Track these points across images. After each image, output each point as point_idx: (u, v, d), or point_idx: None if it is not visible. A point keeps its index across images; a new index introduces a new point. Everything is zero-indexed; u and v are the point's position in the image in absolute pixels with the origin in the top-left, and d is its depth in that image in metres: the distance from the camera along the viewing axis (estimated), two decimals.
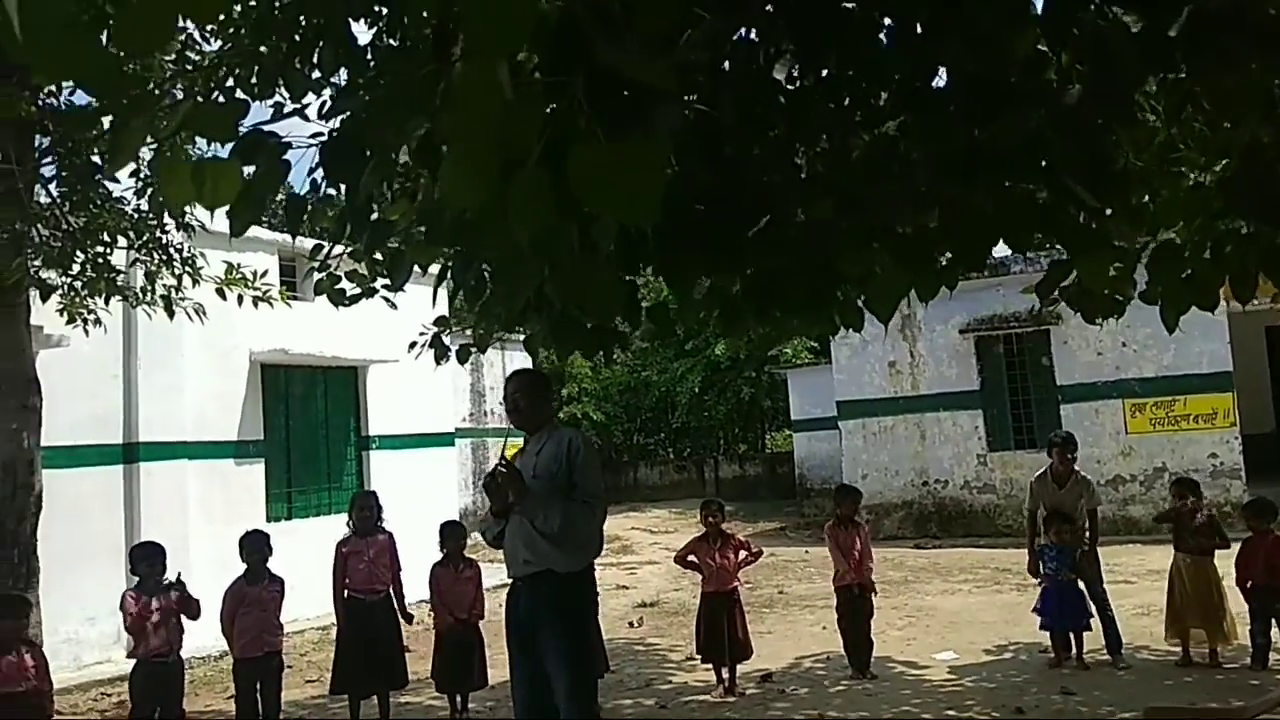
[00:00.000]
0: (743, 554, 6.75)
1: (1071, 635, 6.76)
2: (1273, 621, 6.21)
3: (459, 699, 6.32)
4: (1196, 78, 2.99)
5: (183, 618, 5.44)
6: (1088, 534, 6.89)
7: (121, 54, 1.32)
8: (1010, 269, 13.80)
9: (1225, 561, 6.51)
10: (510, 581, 4.23)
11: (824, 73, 2.93)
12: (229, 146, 2.52)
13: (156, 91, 6.17)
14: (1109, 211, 3.67)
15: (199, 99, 3.80)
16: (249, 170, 2.47)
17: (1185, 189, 3.72)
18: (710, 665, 6.69)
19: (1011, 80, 2.59)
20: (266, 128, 2.78)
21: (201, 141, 5.81)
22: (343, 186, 2.68)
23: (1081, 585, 6.77)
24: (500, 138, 1.25)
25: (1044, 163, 2.51)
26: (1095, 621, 6.73)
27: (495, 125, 1.23)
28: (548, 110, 1.40)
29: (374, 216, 3.16)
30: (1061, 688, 6.12)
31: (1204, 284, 2.85)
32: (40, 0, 0.89)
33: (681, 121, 2.04)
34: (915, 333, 15.24)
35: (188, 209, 6.76)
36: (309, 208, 3.24)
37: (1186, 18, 2.65)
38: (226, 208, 2.27)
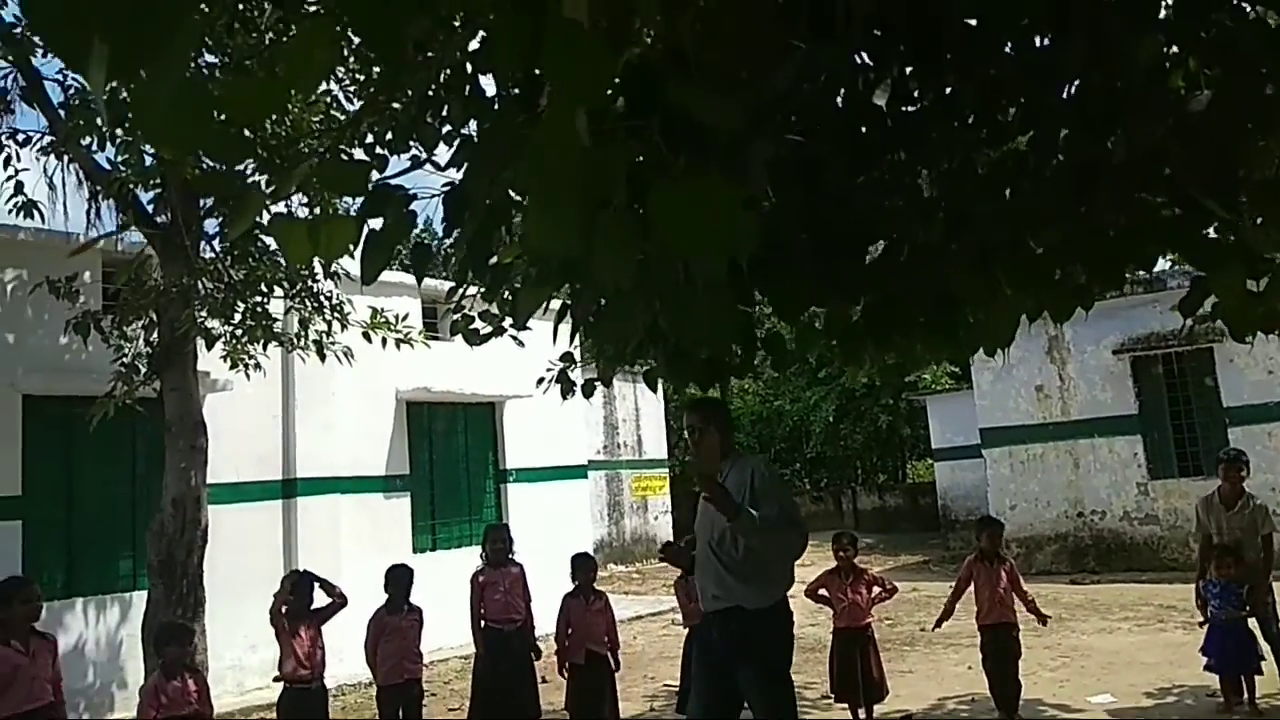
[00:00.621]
0: (876, 589, 6.56)
1: (1243, 678, 6.22)
2: None
3: None
4: None
5: (326, 651, 5.73)
6: (1262, 562, 6.35)
7: (234, 126, 1.45)
8: (1167, 284, 12.98)
9: None
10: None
11: (947, 90, 2.88)
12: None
13: (304, 149, 6.65)
14: (1259, 221, 3.44)
15: (326, 157, 4.06)
16: (378, 223, 2.64)
17: None
18: (845, 704, 6.50)
19: (1133, 89, 2.48)
20: (393, 181, 2.96)
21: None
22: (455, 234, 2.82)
23: (1253, 623, 6.24)
24: (579, 184, 1.30)
25: (1168, 174, 2.38)
26: (1270, 664, 6.17)
27: (573, 172, 1.28)
28: (630, 153, 1.44)
29: (493, 260, 3.29)
30: None
31: None
32: (152, 82, 1.00)
33: (773, 154, 2.05)
34: (1064, 354, 14.51)
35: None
36: (437, 254, 3.40)
37: None
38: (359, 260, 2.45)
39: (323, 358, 7.75)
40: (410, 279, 11.10)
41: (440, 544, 11.40)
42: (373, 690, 8.53)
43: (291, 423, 9.95)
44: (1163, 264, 12.30)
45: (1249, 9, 2.69)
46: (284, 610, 5.65)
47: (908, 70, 2.83)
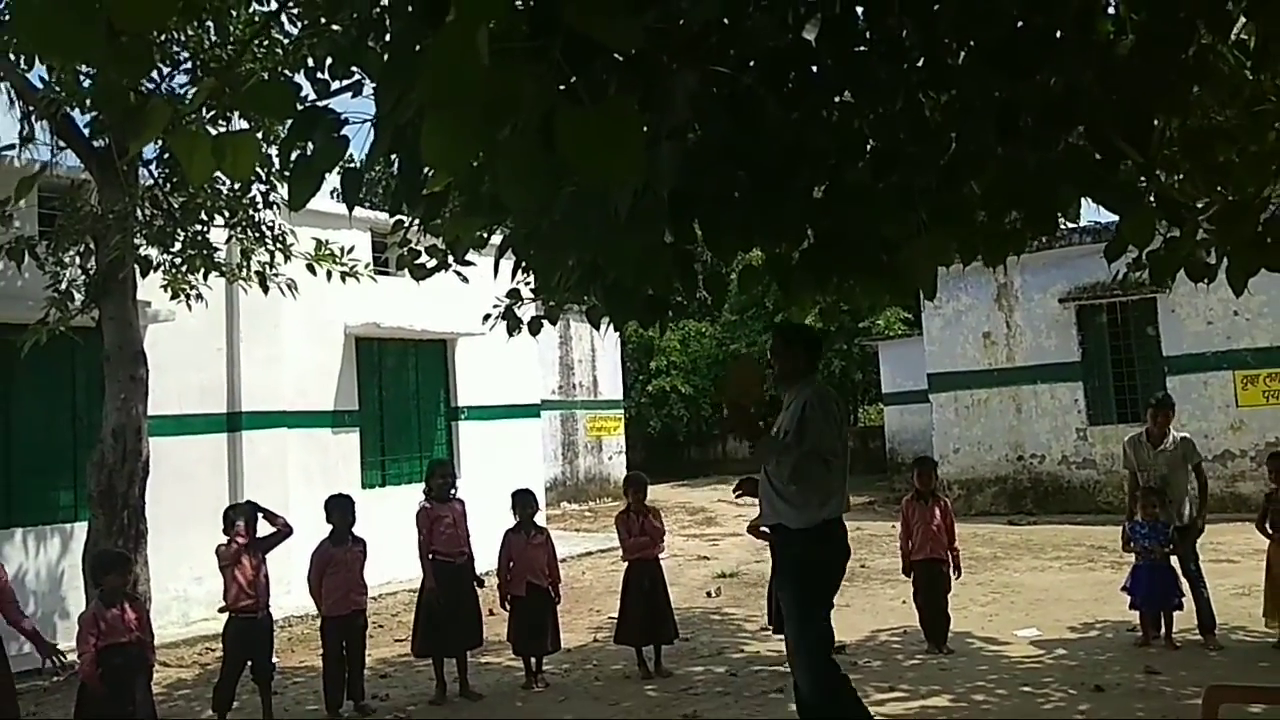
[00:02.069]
0: None
1: (1162, 615, 6.50)
2: None
3: (534, 661, 6.49)
4: (1275, 23, 2.82)
5: (271, 581, 5.76)
6: (1197, 492, 6.59)
7: (126, 33, 1.40)
8: (1114, 233, 13.18)
9: None
10: None
11: (896, 31, 2.86)
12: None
13: (244, 71, 6.44)
14: (1187, 169, 3.49)
15: (261, 77, 3.95)
16: (310, 147, 2.58)
17: (1271, 143, 3.51)
18: (783, 635, 6.68)
19: (1063, 31, 2.49)
20: (323, 103, 2.89)
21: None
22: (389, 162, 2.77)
23: (1175, 563, 6.50)
24: (478, 101, 1.29)
25: (1086, 118, 2.41)
26: (1189, 601, 6.46)
27: (471, 88, 1.27)
28: (535, 74, 1.43)
29: (425, 190, 3.25)
30: (1146, 667, 5.91)
31: (1274, 244, 2.68)
32: None
33: (698, 85, 2.04)
34: (1012, 302, 14.75)
35: (276, 188, 7.08)
36: (368, 182, 3.34)
37: None
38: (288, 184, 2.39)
39: (265, 289, 7.62)
40: (360, 212, 10.92)
41: (390, 480, 11.40)
42: (319, 622, 8.63)
43: (236, 355, 9.82)
44: (1111, 215, 12.46)
45: None
46: (232, 547, 5.65)
47: (858, 10, 2.82)
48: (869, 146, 2.69)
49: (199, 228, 7.02)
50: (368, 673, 6.34)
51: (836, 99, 2.98)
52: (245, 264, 7.53)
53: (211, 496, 9.01)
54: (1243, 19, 3.03)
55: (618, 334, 20.79)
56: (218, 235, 7.49)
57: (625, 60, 1.59)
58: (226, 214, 7.01)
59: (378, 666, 7.12)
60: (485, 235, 4.20)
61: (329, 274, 7.74)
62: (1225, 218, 2.85)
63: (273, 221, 7.33)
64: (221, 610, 5.80)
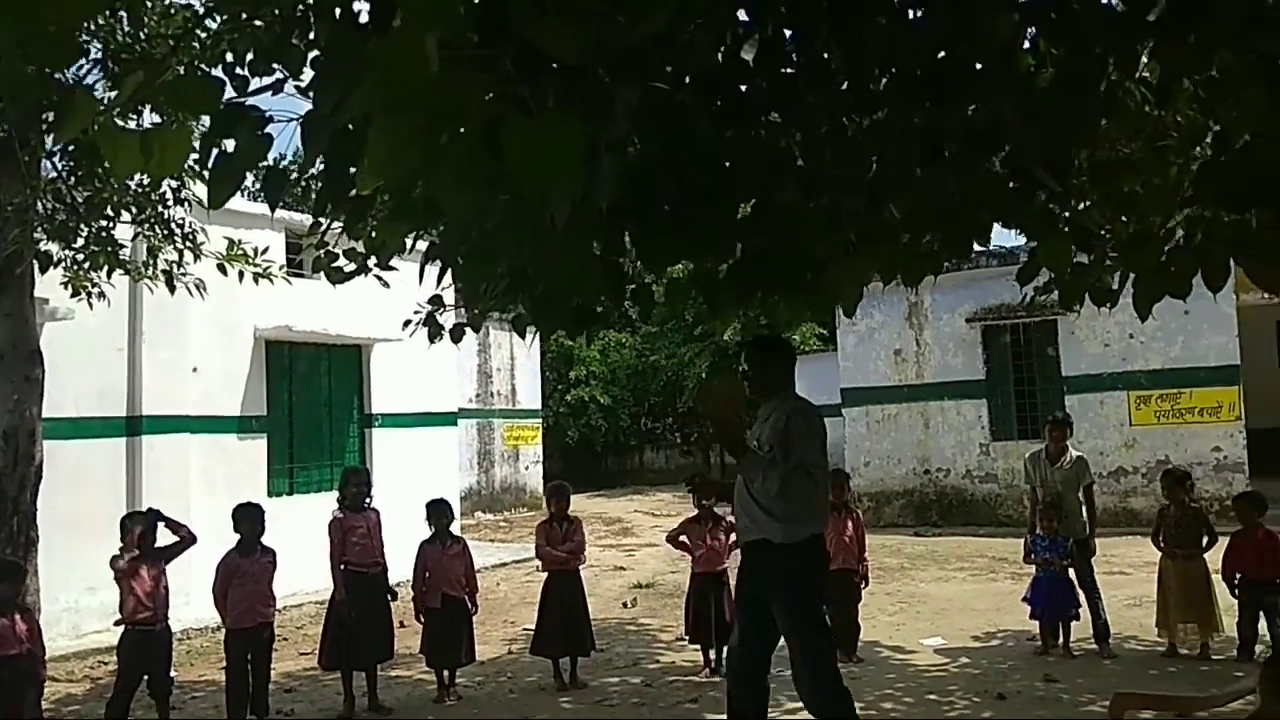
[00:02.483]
0: (733, 537, 6.77)
1: (1060, 624, 6.77)
2: (1260, 614, 6.20)
3: (447, 674, 6.39)
4: (1178, 63, 2.98)
5: (169, 591, 5.55)
6: (1085, 512, 6.89)
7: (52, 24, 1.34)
8: (1020, 258, 13.70)
9: (1217, 553, 6.51)
10: None
11: (822, 55, 2.93)
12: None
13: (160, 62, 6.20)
14: (1095, 199, 3.66)
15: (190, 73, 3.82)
16: (230, 144, 2.50)
17: (1173, 177, 3.70)
18: (698, 645, 6.74)
19: (981, 65, 2.59)
20: (253, 101, 2.80)
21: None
22: (315, 162, 2.71)
23: (1072, 575, 6.78)
24: (424, 108, 1.27)
25: (1007, 148, 2.51)
26: (1085, 611, 6.74)
27: (418, 95, 1.25)
28: (481, 83, 1.42)
29: (352, 192, 3.18)
30: (1045, 675, 6.14)
31: (1177, 272, 2.84)
32: None
33: (639, 100, 2.05)
34: (922, 321, 15.20)
35: (187, 184, 6.83)
36: (291, 182, 3.26)
37: (1166, 1, 2.63)
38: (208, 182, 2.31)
39: (172, 289, 7.32)
40: (275, 211, 10.61)
41: (298, 488, 11.09)
42: (220, 634, 8.30)
43: (138, 357, 9.42)
44: (1018, 239, 13.01)
45: None
46: (125, 557, 5.41)
47: (786, 32, 2.87)
48: (800, 167, 2.74)
49: (104, 223, 6.71)
50: (272, 687, 6.13)
51: (764, 119, 3.05)
52: (152, 262, 7.22)
53: (108, 503, 8.61)
54: (1146, 58, 3.21)
55: (537, 343, 20.69)
56: (123, 232, 7.18)
57: (566, 73, 1.59)
58: (134, 210, 6.72)
59: (282, 680, 6.90)
60: (411, 241, 4.14)
61: (241, 275, 7.49)
62: (1132, 246, 3.00)
63: (183, 219, 7.06)
64: (118, 623, 5.54)
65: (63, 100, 3.31)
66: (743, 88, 2.62)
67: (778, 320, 5.60)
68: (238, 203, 10.15)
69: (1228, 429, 13.16)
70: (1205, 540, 6.51)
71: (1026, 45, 2.75)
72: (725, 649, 4.51)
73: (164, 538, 5.65)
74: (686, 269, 4.11)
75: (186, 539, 5.63)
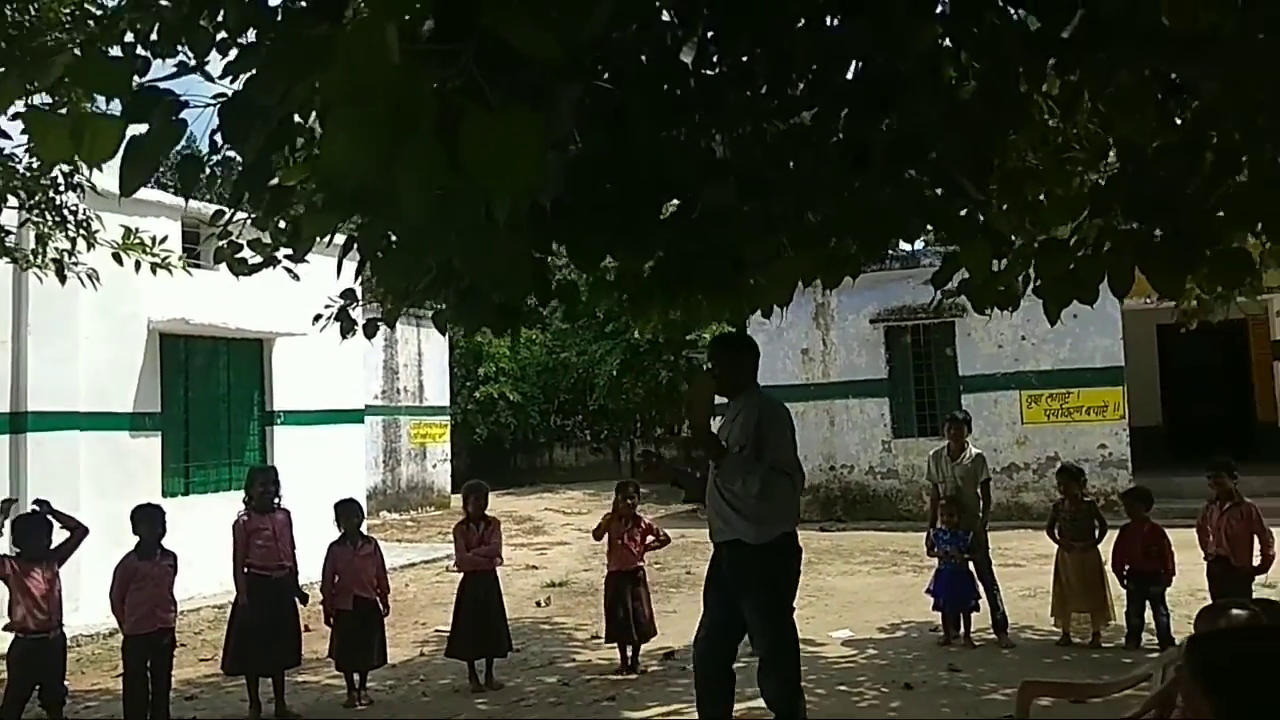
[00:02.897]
0: (650, 538, 6.83)
1: (961, 615, 7.03)
2: (1147, 604, 6.57)
3: (358, 678, 6.24)
4: (1087, 79, 3.13)
5: (63, 595, 5.27)
6: (982, 508, 7.17)
7: None
8: (920, 262, 14.18)
9: (1108, 546, 6.86)
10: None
11: (742, 58, 2.97)
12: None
13: (51, 42, 5.88)
14: (1004, 206, 3.81)
15: (92, 52, 3.64)
16: (142, 129, 2.39)
17: (1076, 187, 3.89)
18: (615, 644, 6.75)
19: (909, 74, 2.67)
20: (163, 85, 2.68)
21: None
22: (235, 149, 2.62)
23: (972, 567, 7.05)
24: (386, 103, 1.24)
25: (933, 156, 2.60)
26: (984, 602, 7.02)
27: (379, 89, 1.22)
28: (440, 77, 1.39)
29: (273, 182, 3.09)
30: (948, 665, 6.37)
31: (1085, 278, 2.99)
32: None
33: (580, 97, 2.05)
34: (828, 321, 15.57)
35: (81, 169, 6.49)
36: (206, 170, 3.13)
37: (1080, 20, 2.76)
38: (119, 168, 2.21)
39: (62, 279, 6.94)
40: (169, 198, 10.17)
41: (194, 488, 10.67)
42: (114, 640, 7.93)
43: (23, 349, 8.90)
44: (918, 243, 13.44)
45: (1013, 11, 2.96)
46: (14, 554, 5.11)
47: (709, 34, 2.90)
48: (734, 169, 2.78)
49: None
50: (172, 695, 5.88)
51: (697, 120, 3.08)
52: (41, 250, 6.83)
53: None
54: (1051, 74, 3.36)
55: (445, 339, 20.37)
56: (9, 218, 6.78)
57: (520, 70, 1.57)
58: (22, 195, 6.34)
59: (182, 688, 6.62)
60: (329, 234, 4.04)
61: (137, 265, 7.14)
62: (1044, 253, 3.15)
63: (76, 205, 6.70)
64: (7, 629, 5.23)
65: None
66: (678, 91, 2.64)
67: (701, 320, 5.67)
68: None
69: (1113, 427, 13.89)
70: (1097, 532, 6.86)
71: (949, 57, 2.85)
72: (694, 644, 4.58)
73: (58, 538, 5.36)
74: (610, 268, 4.12)
75: (78, 531, 5.36)
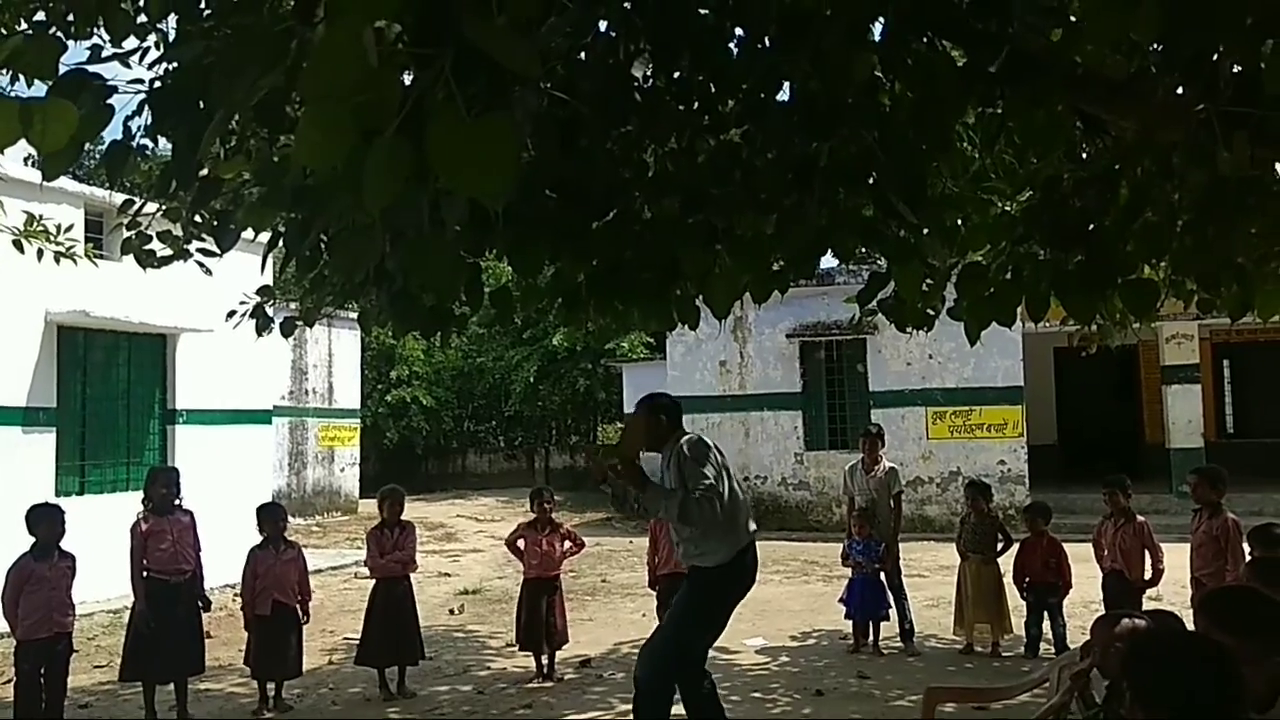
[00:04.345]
0: (568, 544, 6.82)
1: (870, 624, 7.22)
2: (1045, 614, 6.86)
3: (271, 686, 6.05)
4: (1010, 112, 3.29)
5: None
6: (894, 520, 7.39)
7: None
8: (835, 279, 14.53)
9: (1008, 558, 7.14)
10: None
11: (675, 74, 3.03)
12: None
13: None
14: (925, 230, 3.96)
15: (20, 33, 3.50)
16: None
17: (993, 215, 4.07)
18: (530, 652, 6.72)
19: (848, 100, 2.76)
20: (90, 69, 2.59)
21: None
22: (166, 139, 2.54)
23: (883, 577, 7.26)
24: (360, 103, 1.24)
25: (871, 179, 2.69)
26: (893, 611, 7.23)
27: (355, 89, 1.22)
28: (409, 81, 1.40)
29: (202, 173, 3.00)
30: (858, 672, 6.55)
31: (1004, 302, 3.14)
32: None
33: (538, 106, 2.06)
34: (746, 334, 15.81)
35: None
36: (134, 158, 3.03)
37: (1006, 56, 2.90)
38: (33, 152, 2.12)
39: None
40: (73, 185, 9.73)
41: (90, 488, 10.20)
42: (3, 645, 7.52)
43: None
44: (829, 260, 13.82)
45: (939, 44, 3.09)
46: None
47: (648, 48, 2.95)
48: (679, 183, 2.83)
49: None
50: (65, 702, 5.61)
51: (631, 132, 3.12)
52: None
53: None
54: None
55: (357, 340, 19.95)
56: None
57: (483, 76, 1.58)
58: None
59: (75, 695, 6.30)
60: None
61: (40, 253, 6.81)
62: (966, 277, 3.29)
63: None
64: None
65: None
66: (625, 103, 2.67)
67: (624, 329, 5.73)
68: (32, 173, 9.25)
69: (1012, 444, 14.47)
70: (1001, 545, 7.14)
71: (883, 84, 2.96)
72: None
73: None
74: (545, 275, 4.12)
75: None
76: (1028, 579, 6.94)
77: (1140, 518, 6.57)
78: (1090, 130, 3.14)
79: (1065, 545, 7.06)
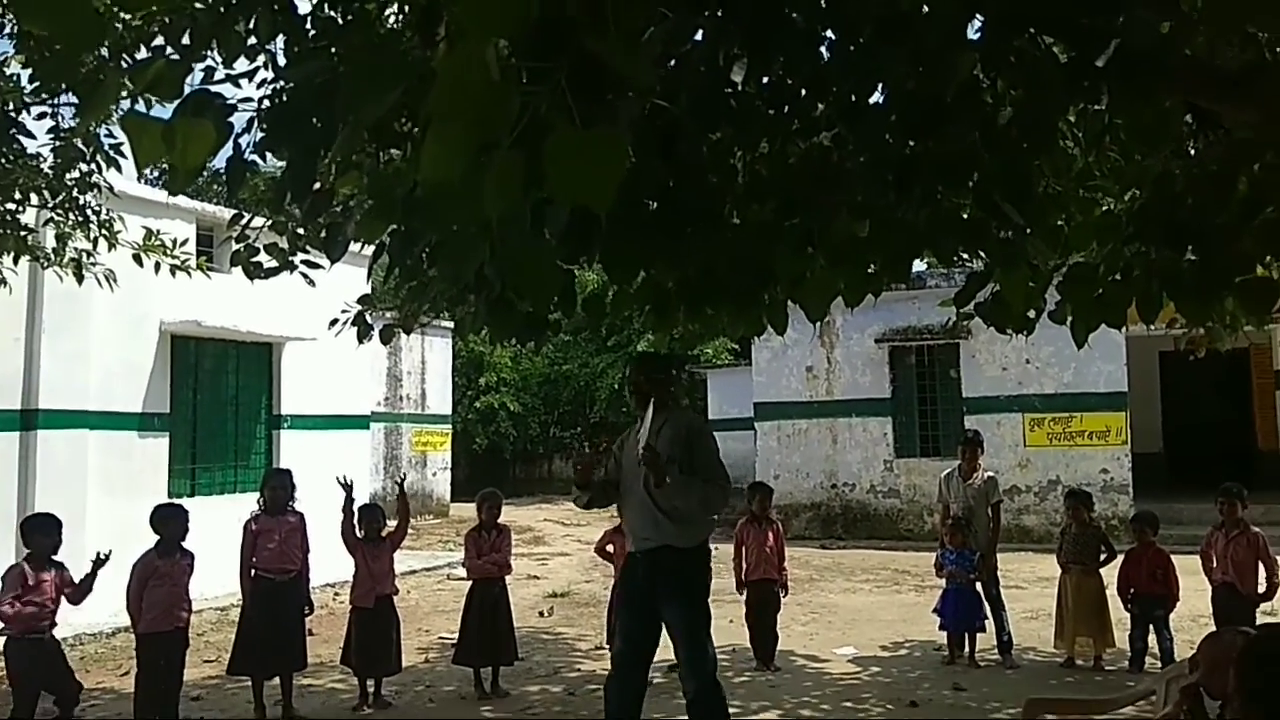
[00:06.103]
0: None
1: (966, 635, 7.05)
2: (1150, 628, 6.60)
3: (370, 683, 6.24)
4: (1117, 109, 3.19)
5: (62, 596, 5.32)
6: (991, 529, 7.20)
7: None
8: (926, 283, 14.26)
9: (1111, 569, 6.90)
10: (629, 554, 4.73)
11: (766, 79, 3.03)
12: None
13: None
14: (1029, 230, 3.87)
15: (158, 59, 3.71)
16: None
17: (1098, 214, 3.95)
18: None
19: (949, 99, 2.73)
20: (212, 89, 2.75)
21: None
22: (277, 156, 2.67)
23: (979, 588, 7.08)
24: (480, 117, 1.30)
25: (974, 179, 2.65)
26: (989, 623, 7.04)
27: (478, 105, 1.27)
28: (525, 95, 1.45)
29: (315, 186, 3.14)
30: (953, 684, 6.40)
31: (1113, 304, 3.04)
32: None
33: (639, 115, 2.10)
34: (833, 340, 15.63)
35: (101, 171, 6.54)
36: (251, 174, 3.19)
37: (1113, 51, 2.83)
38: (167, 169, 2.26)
39: (80, 279, 7.00)
40: (186, 201, 10.23)
41: (200, 490, 10.68)
42: (118, 639, 7.95)
43: (36, 347, 8.94)
44: (921, 265, 13.52)
45: (1042, 41, 3.02)
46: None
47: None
48: (777, 187, 2.83)
49: (11, 206, 6.36)
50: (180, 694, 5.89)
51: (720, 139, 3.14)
52: (61, 249, 6.88)
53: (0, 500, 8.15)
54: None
55: (449, 348, 20.42)
56: (30, 217, 6.82)
57: (599, 88, 1.63)
58: (46, 193, 6.39)
59: (187, 688, 6.58)
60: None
61: (157, 266, 7.18)
62: (1073, 278, 3.20)
63: (99, 205, 6.74)
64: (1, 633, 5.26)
65: (88, 82, 3.17)
66: (724, 109, 2.69)
67: (712, 335, 5.76)
68: (148, 190, 9.75)
69: (1115, 452, 13.94)
70: (1104, 556, 6.90)
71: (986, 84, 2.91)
72: (610, 673, 4.75)
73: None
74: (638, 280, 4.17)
75: (76, 599, 5.43)
76: (1133, 591, 6.69)
77: (1255, 529, 6.27)
78: (1202, 125, 3.02)
79: (1172, 557, 6.79)
